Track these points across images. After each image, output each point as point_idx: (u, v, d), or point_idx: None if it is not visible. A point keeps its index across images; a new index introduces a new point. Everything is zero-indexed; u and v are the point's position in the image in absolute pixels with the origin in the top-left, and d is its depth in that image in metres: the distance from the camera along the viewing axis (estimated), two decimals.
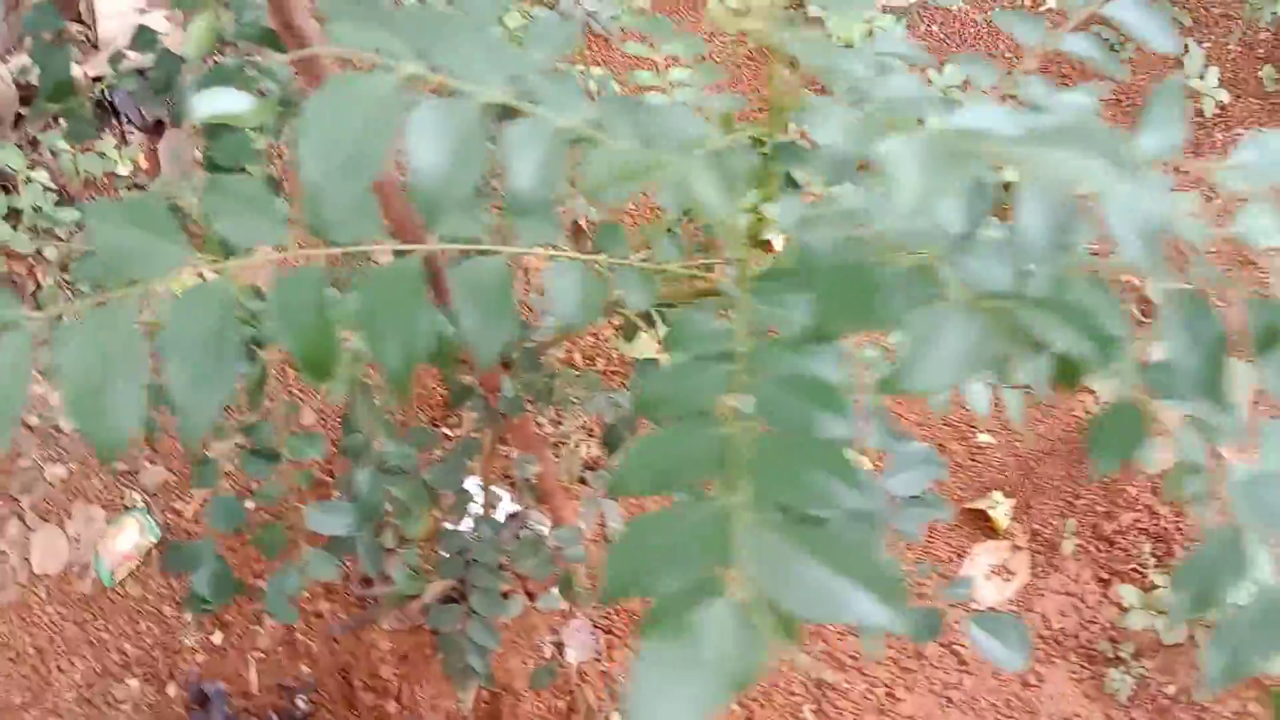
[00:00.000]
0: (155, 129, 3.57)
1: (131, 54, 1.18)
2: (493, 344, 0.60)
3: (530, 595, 2.07)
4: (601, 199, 0.55)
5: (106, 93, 3.39)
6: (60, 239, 3.11)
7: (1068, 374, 0.63)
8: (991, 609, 2.39)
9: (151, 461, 2.75)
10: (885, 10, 3.83)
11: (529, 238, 0.65)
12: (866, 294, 0.45)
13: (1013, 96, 0.68)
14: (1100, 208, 0.51)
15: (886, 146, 0.40)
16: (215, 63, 1.02)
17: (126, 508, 2.65)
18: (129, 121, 3.56)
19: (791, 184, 0.81)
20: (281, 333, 0.57)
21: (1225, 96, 3.50)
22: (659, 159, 0.44)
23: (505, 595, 2.13)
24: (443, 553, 1.66)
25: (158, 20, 3.30)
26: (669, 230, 1.15)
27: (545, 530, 1.83)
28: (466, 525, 1.72)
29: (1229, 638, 0.61)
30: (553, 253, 0.63)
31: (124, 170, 3.38)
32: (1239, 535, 0.60)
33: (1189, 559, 0.61)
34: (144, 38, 1.12)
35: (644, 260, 0.68)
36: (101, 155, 3.33)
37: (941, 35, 3.69)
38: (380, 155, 0.46)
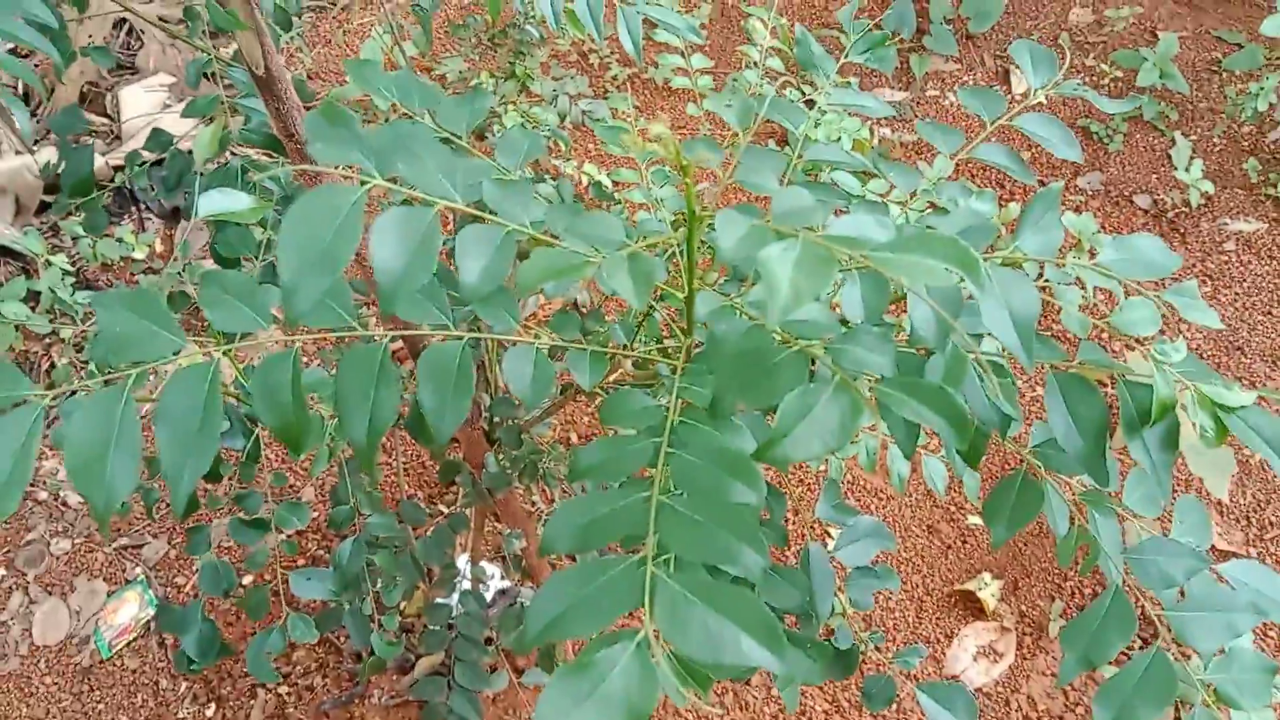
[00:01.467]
0: (172, 216, 3.71)
1: (147, 153, 1.28)
2: (450, 422, 0.67)
3: (517, 671, 2.10)
4: (551, 294, 0.62)
5: (127, 182, 3.54)
6: (75, 321, 3.21)
7: (970, 451, 0.70)
8: (979, 690, 2.41)
9: (154, 536, 2.81)
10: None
11: (493, 325, 0.73)
12: (759, 374, 0.51)
13: (933, 204, 0.76)
14: (979, 303, 0.58)
15: (766, 252, 0.48)
16: (221, 163, 1.11)
17: (128, 581, 2.70)
18: (147, 209, 3.69)
19: (739, 279, 0.88)
20: (261, 409, 0.64)
21: (1210, 187, 3.60)
22: (582, 260, 0.52)
23: (492, 669, 2.16)
24: (429, 626, 1.71)
25: (176, 119, 3.46)
26: (642, 321, 1.23)
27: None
28: (455, 600, 1.77)
29: (1115, 696, 0.67)
30: (510, 337, 0.71)
31: (140, 255, 3.50)
32: (1123, 599, 0.66)
33: (1078, 618, 0.67)
34: (158, 140, 1.21)
35: (597, 345, 0.75)
36: (119, 241, 3.46)
37: None
38: (347, 255, 0.53)
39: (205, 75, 1.38)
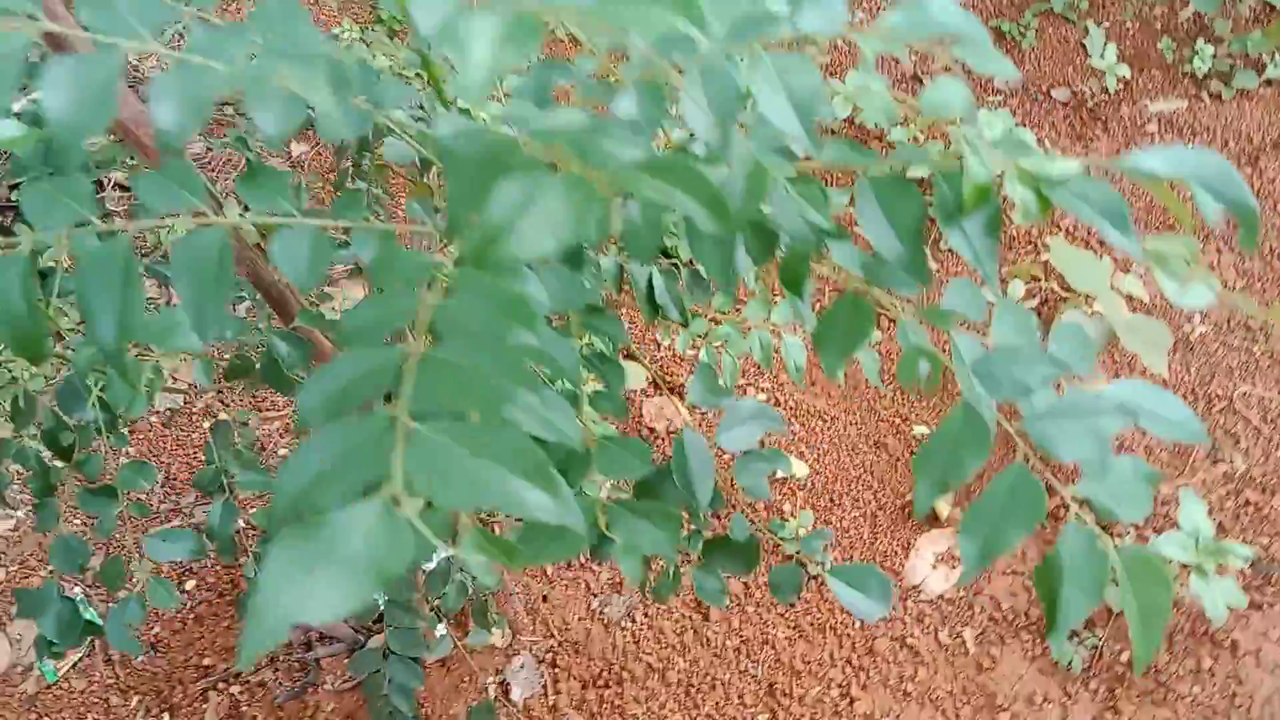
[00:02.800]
0: None
1: None
2: (211, 321, 0.60)
3: (463, 632, 2.04)
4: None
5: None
6: None
7: (789, 274, 0.63)
8: (941, 597, 2.37)
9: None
10: None
11: (259, 204, 0.66)
12: (495, 181, 0.45)
13: None
14: (753, 88, 0.51)
15: (461, 25, 0.41)
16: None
17: None
18: (16, 215, 3.57)
19: None
20: None
21: (1126, 71, 3.56)
22: (272, 70, 0.45)
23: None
24: None
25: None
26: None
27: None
28: None
29: (981, 521, 0.61)
30: (279, 220, 0.64)
31: None
32: (976, 414, 0.60)
33: (929, 444, 0.61)
34: None
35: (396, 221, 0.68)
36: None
37: None
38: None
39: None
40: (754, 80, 0.51)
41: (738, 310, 1.26)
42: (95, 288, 0.59)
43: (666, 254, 1.27)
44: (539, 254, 0.42)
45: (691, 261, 1.31)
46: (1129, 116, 3.52)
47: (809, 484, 2.55)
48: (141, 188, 0.62)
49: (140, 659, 2.45)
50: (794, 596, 1.01)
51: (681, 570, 1.15)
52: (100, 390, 1.00)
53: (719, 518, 1.08)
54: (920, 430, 2.66)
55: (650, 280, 1.18)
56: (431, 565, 2.10)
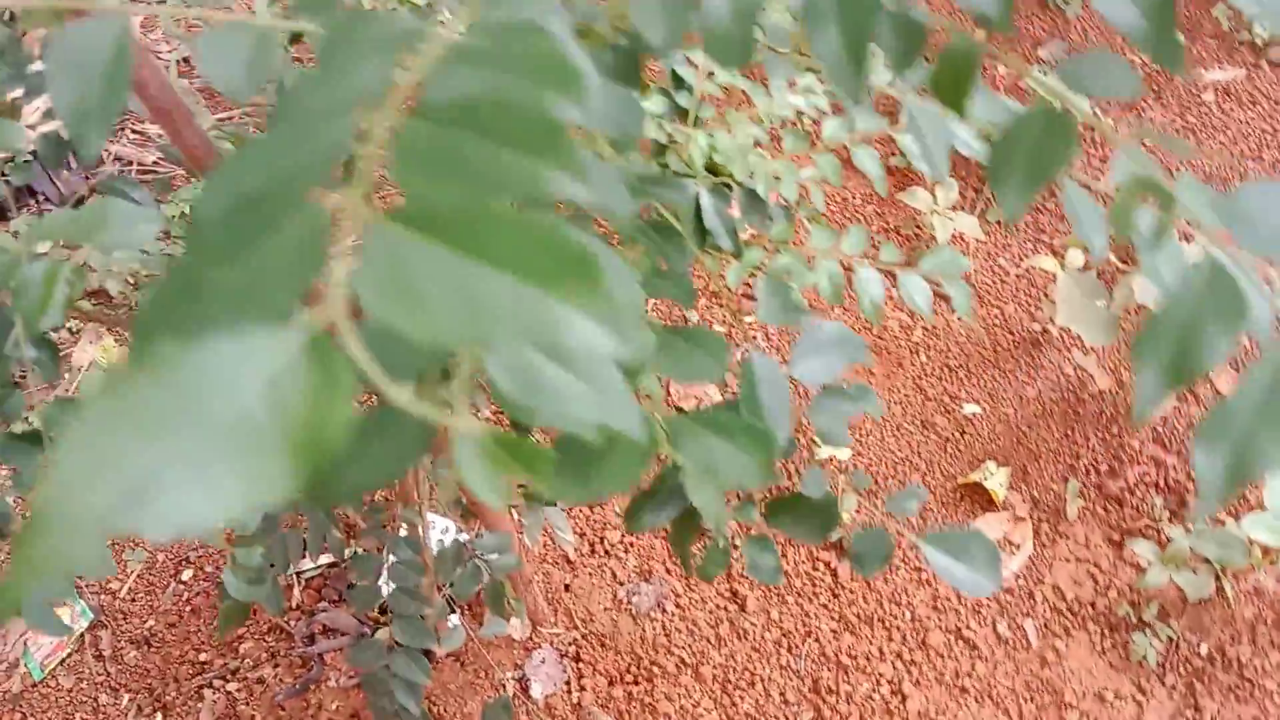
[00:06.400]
0: (76, 204, 3.43)
1: None
2: (97, 132, 0.41)
3: (478, 623, 1.85)
4: None
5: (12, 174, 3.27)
6: None
7: (947, 79, 0.44)
8: (1003, 589, 2.17)
9: None
10: None
11: None
12: None
13: None
14: None
15: None
16: None
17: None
18: (46, 200, 3.41)
19: None
20: None
21: (1179, 40, 3.35)
22: None
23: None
24: (357, 582, 1.46)
25: None
26: None
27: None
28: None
29: (1227, 427, 0.42)
30: (216, 13, 0.45)
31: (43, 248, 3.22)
32: (1221, 269, 0.41)
33: (1155, 316, 0.42)
34: None
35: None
36: (15, 235, 3.18)
37: None
38: None
39: None
40: None
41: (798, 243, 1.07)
42: None
43: (714, 170, 1.08)
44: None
45: (744, 182, 1.12)
46: (1183, 86, 3.31)
47: (851, 466, 2.36)
48: None
49: (133, 655, 2.28)
50: (881, 567, 0.82)
51: (735, 544, 0.96)
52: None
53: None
54: (972, 409, 2.46)
55: (698, 200, 0.99)
56: (445, 543, 1.91)
